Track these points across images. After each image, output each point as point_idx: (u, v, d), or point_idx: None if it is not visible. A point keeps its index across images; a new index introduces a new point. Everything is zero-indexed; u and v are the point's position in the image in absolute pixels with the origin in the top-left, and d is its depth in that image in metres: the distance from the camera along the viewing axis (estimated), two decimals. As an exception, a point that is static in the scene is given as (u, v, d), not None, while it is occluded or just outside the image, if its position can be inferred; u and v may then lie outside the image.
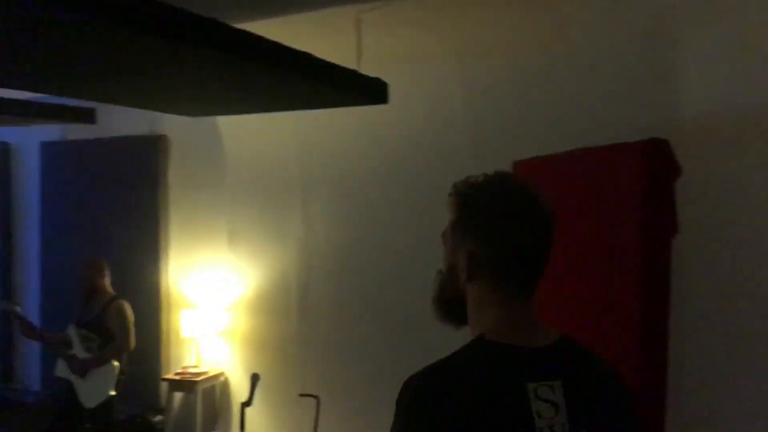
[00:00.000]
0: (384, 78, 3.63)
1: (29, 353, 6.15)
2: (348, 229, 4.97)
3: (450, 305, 1.33)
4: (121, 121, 5.72)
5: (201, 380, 5.17)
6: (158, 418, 5.41)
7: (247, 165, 5.33)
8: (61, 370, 4.58)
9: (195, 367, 5.29)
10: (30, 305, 6.26)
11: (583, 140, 3.31)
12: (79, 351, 4.57)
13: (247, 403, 3.71)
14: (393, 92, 3.70)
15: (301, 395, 4.36)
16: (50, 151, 6.10)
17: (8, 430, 5.44)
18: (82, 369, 4.51)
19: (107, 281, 4.71)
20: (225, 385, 5.38)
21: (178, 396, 5.35)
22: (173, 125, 5.59)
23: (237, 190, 5.36)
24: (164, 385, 5.35)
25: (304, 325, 5.08)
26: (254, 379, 3.72)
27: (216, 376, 5.32)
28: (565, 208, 3.22)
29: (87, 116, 4.63)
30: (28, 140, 6.21)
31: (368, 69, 3.58)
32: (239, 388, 5.31)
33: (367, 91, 3.68)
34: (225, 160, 5.36)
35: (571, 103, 3.83)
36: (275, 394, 4.98)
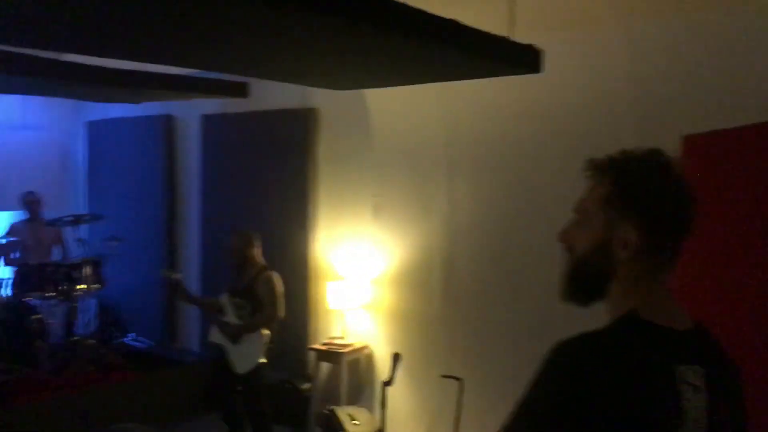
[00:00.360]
0: (538, 45, 3.37)
1: (190, 316, 6.52)
2: (494, 207, 4.77)
3: (591, 280, 1.31)
4: (275, 94, 5.82)
5: (346, 352, 5.22)
6: (306, 385, 5.54)
7: (394, 138, 5.25)
8: (215, 335, 4.78)
9: (341, 338, 5.35)
10: (191, 273, 6.63)
11: (763, 115, 2.89)
12: (231, 318, 4.74)
13: (388, 382, 3.67)
14: (547, 61, 3.43)
15: (444, 376, 4.26)
16: (210, 123, 6.37)
17: (168, 388, 5.79)
18: (234, 335, 4.68)
19: (257, 251, 4.84)
20: (369, 359, 5.40)
21: (324, 366, 5.45)
22: (323, 98, 5.61)
23: (383, 163, 5.30)
24: (312, 355, 5.46)
25: (447, 304, 4.96)
26: (396, 358, 3.66)
27: (361, 349, 5.35)
28: (740, 187, 2.86)
29: (240, 90, 4.74)
30: (190, 113, 6.52)
31: (521, 36, 3.34)
32: (383, 363, 5.31)
33: (519, 59, 3.45)
34: (372, 133, 5.31)
35: (753, 73, 3.37)
36: (417, 373, 4.93)
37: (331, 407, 4.87)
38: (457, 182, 5.00)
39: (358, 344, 5.33)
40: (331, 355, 5.26)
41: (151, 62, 4.24)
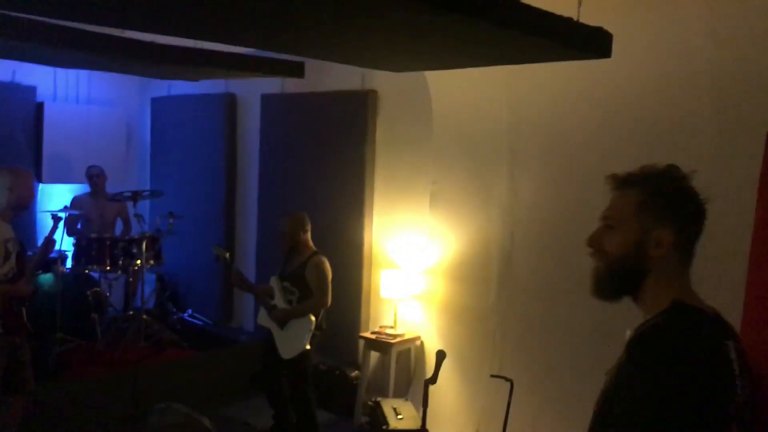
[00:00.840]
0: (607, 27, 3.10)
1: (247, 295, 6.49)
2: (558, 198, 4.50)
3: (626, 277, 1.51)
4: (334, 75, 5.70)
5: (396, 342, 5.08)
6: (355, 373, 5.45)
7: (454, 123, 5.04)
8: (263, 318, 4.71)
9: (391, 327, 5.21)
10: (248, 253, 6.62)
11: None
12: (279, 302, 4.65)
13: (431, 381, 3.49)
14: (618, 44, 3.16)
15: (493, 376, 4.06)
16: (269, 102, 6.29)
17: (220, 367, 5.80)
18: (281, 320, 4.60)
19: (308, 235, 4.73)
20: (420, 350, 5.25)
21: (373, 355, 5.33)
22: (383, 80, 5.44)
23: (442, 149, 5.10)
24: (362, 343, 5.34)
25: (503, 299, 4.74)
26: (440, 356, 3.48)
27: (411, 340, 5.20)
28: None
29: (296, 70, 4.62)
30: (251, 92, 6.46)
31: (589, 18, 3.08)
32: (433, 356, 5.14)
33: (587, 42, 3.19)
34: (432, 117, 5.11)
35: None
36: (465, 371, 4.74)
37: (377, 399, 4.74)
38: (519, 171, 4.76)
39: (408, 335, 5.18)
40: (381, 344, 5.13)
41: (212, 41, 4.17)
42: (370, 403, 4.75)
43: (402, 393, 5.19)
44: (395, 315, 5.20)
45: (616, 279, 1.52)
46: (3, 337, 3.79)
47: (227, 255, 4.80)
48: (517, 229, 4.73)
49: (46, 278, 5.62)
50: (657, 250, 1.47)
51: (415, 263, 5.21)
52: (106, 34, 4.25)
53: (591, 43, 3.14)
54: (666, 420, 1.33)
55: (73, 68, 6.23)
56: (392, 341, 5.07)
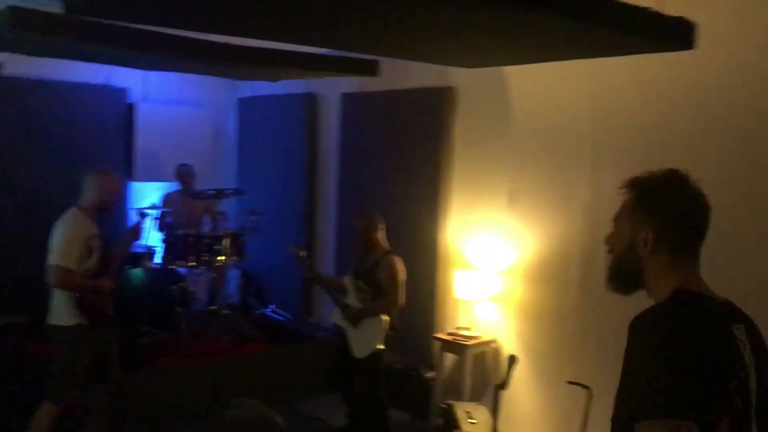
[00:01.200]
0: (692, 18, 2.90)
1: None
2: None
3: (627, 273, 1.67)
4: (412, 72, 5.65)
5: (471, 344, 4.98)
6: (430, 374, 5.38)
7: (534, 119, 4.88)
8: (336, 316, 4.72)
9: (467, 329, 5.11)
10: (327, 252, 6.67)
11: None
12: (353, 300, 4.66)
13: (501, 386, 3.39)
14: (703, 36, 2.95)
15: (570, 383, 3.90)
16: (348, 101, 6.31)
17: (297, 363, 5.87)
18: (354, 318, 4.60)
19: (382, 234, 4.70)
20: (496, 353, 5.12)
21: (449, 356, 5.24)
22: (461, 77, 5.34)
23: (521, 147, 4.95)
24: (436, 344, 5.27)
25: (584, 303, 4.54)
26: (511, 361, 3.37)
27: (487, 342, 5.08)
28: None
29: (370, 68, 4.60)
30: (331, 91, 6.50)
31: (673, 8, 2.89)
32: (510, 359, 5.01)
33: (670, 34, 3.00)
34: (511, 114, 4.97)
35: None
36: (542, 376, 4.59)
37: (450, 401, 4.65)
38: (601, 170, 4.55)
39: (484, 338, 5.07)
40: (456, 346, 5.04)
41: (289, 42, 4.22)
42: (443, 405, 4.68)
43: (478, 396, 5.08)
44: (471, 316, 5.10)
45: (618, 275, 1.70)
46: (88, 329, 3.96)
47: (303, 253, 4.84)
48: (600, 229, 4.49)
49: (136, 273, 5.85)
50: (644, 248, 1.62)
51: (491, 264, 5.09)
52: (191, 38, 4.40)
53: (673, 34, 2.95)
54: (652, 393, 1.44)
55: (161, 70, 6.46)
56: (467, 343, 4.97)
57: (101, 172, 4.08)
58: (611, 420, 1.62)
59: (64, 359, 3.98)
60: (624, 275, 1.69)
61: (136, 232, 4.43)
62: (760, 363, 1.54)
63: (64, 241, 3.86)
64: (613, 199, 4.30)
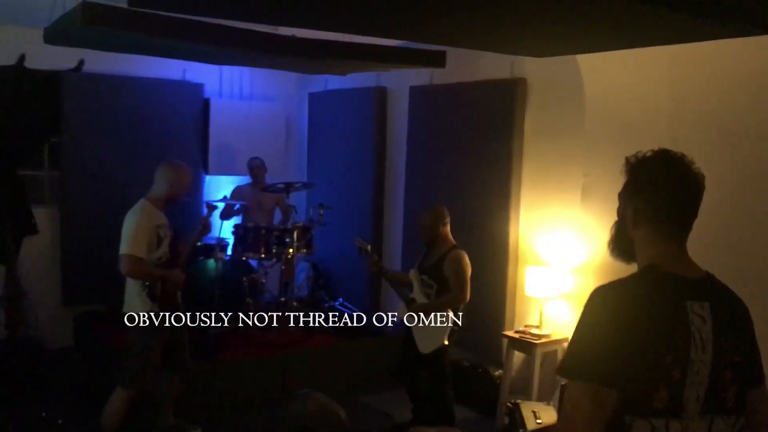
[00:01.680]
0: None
1: (394, 286, 6.54)
2: (728, 195, 4.04)
3: (620, 244, 1.81)
4: (481, 64, 5.55)
5: (540, 343, 4.85)
6: (498, 372, 5.28)
7: (608, 111, 4.70)
8: (401, 311, 4.68)
9: (537, 327, 4.98)
10: (394, 245, 6.65)
11: None
12: (418, 295, 4.60)
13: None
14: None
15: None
16: (417, 94, 6.25)
17: (364, 356, 5.87)
18: (419, 314, 4.54)
19: (447, 229, 4.63)
20: (567, 352, 4.96)
21: (517, 355, 5.13)
22: (532, 67, 5.20)
23: (594, 139, 4.78)
24: (505, 341, 5.16)
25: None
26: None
27: (558, 341, 4.94)
28: None
29: (438, 59, 4.52)
30: (399, 85, 6.46)
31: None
32: (581, 359, 4.85)
33: (756, 18, 2.80)
34: (584, 106, 4.81)
35: None
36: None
37: (517, 400, 4.54)
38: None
39: (555, 336, 4.92)
40: (525, 344, 4.92)
41: (358, 33, 4.21)
42: (509, 404, 4.57)
43: (546, 396, 4.94)
44: (541, 314, 4.97)
45: (614, 245, 1.85)
46: (158, 316, 4.06)
47: (369, 247, 4.83)
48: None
49: (208, 264, 5.98)
50: (628, 222, 1.75)
51: (563, 260, 4.94)
52: (261, 32, 4.44)
53: (757, 15, 2.75)
54: (594, 346, 1.59)
55: (234, 65, 6.57)
56: (537, 341, 4.84)
57: (173, 165, 4.17)
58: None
59: (137, 346, 4.10)
60: (617, 246, 1.85)
61: (207, 224, 4.52)
62: (721, 339, 1.63)
63: (134, 230, 3.96)
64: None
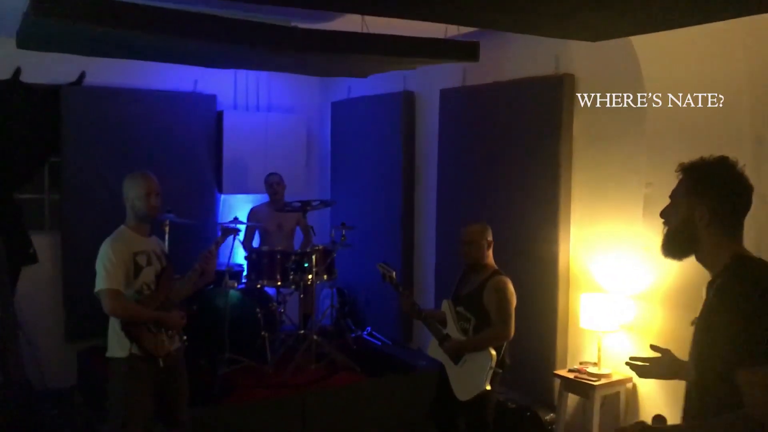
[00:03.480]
0: None
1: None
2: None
3: (683, 242, 1.98)
4: (522, 59, 4.86)
5: (600, 384, 4.10)
6: (550, 416, 4.54)
7: (675, 110, 3.96)
8: (434, 349, 3.98)
9: (595, 365, 4.24)
10: (426, 267, 5.95)
11: None
12: (453, 331, 3.90)
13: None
14: None
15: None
16: (449, 98, 5.56)
17: (394, 395, 5.18)
18: (455, 352, 3.84)
19: (491, 250, 3.93)
20: (632, 395, 4.21)
21: (572, 397, 4.37)
22: (581, 60, 4.49)
23: (657, 142, 4.05)
24: (557, 382, 4.41)
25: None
26: (658, 423, 2.49)
27: (620, 382, 4.18)
28: None
29: (470, 52, 3.84)
30: (430, 88, 5.80)
31: None
32: (651, 403, 4.09)
33: None
34: (644, 102, 4.07)
35: None
36: None
37: (575, 457, 3.79)
38: (767, 166, 3.59)
39: (616, 376, 4.17)
40: (581, 385, 4.17)
41: (376, 14, 3.58)
42: (566, 460, 3.83)
43: (608, 447, 4.19)
44: (599, 350, 4.21)
45: (675, 243, 2.01)
46: (142, 361, 3.44)
47: (393, 274, 4.13)
48: (767, 239, 3.56)
49: (218, 294, 5.36)
50: (701, 222, 1.93)
51: (624, 286, 4.19)
52: (268, 24, 3.86)
53: None
54: (753, 342, 1.73)
55: (244, 68, 6.00)
56: (595, 382, 4.09)
57: (128, 178, 3.58)
58: (695, 371, 1.97)
59: (116, 395, 3.49)
60: (679, 244, 1.99)
61: (209, 259, 3.72)
62: None
63: (106, 260, 3.39)
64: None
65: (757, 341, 1.73)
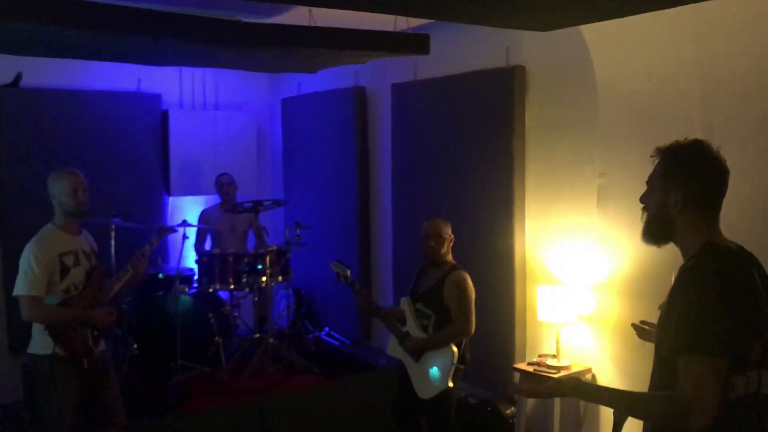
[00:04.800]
0: None
1: (386, 312, 5.79)
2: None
3: (660, 228, 1.96)
4: (473, 53, 4.82)
5: (559, 377, 4.08)
6: (511, 410, 4.51)
7: (625, 98, 3.96)
8: (393, 348, 3.90)
9: (553, 357, 4.22)
10: (383, 266, 5.88)
11: None
12: (413, 329, 3.82)
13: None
14: None
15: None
16: (400, 92, 5.49)
17: (354, 396, 5.09)
18: (416, 351, 3.77)
19: (450, 246, 3.86)
20: (591, 386, 4.20)
21: (532, 390, 4.35)
22: (532, 52, 4.47)
23: (610, 132, 4.04)
24: (517, 376, 4.38)
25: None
26: (618, 420, 2.47)
27: (580, 373, 4.16)
28: None
29: (419, 44, 3.77)
30: (381, 83, 5.72)
31: None
32: (609, 393, 4.08)
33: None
34: (596, 93, 4.07)
35: None
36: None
37: (538, 451, 3.76)
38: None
39: (575, 367, 4.16)
40: (541, 378, 4.14)
41: (329, 6, 3.47)
42: (528, 455, 3.79)
43: (570, 439, 4.18)
44: (558, 342, 4.20)
45: (653, 229, 1.98)
46: (67, 363, 3.30)
47: (348, 272, 4.03)
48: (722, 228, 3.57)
49: (168, 299, 5.19)
50: (675, 207, 1.90)
51: (581, 277, 4.18)
52: (217, 19, 3.73)
53: None
54: (708, 322, 1.73)
55: (191, 65, 5.82)
56: (555, 374, 4.07)
57: (52, 176, 3.46)
58: (656, 353, 1.94)
59: (41, 396, 3.36)
60: (656, 230, 1.97)
61: (141, 259, 3.65)
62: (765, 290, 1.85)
63: (28, 264, 3.25)
64: (737, 190, 3.41)
65: (699, 331, 1.73)
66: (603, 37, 3.92)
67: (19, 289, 3.26)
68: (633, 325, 2.50)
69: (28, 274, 3.24)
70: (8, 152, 5.56)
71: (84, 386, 3.40)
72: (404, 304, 3.91)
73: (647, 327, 2.44)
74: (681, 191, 1.87)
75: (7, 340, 5.61)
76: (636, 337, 3.92)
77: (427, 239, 3.83)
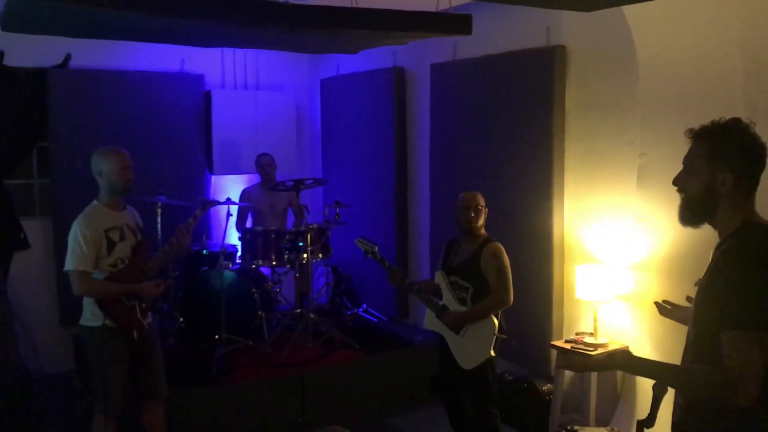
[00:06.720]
0: None
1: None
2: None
3: (702, 208, 1.96)
4: (513, 32, 4.83)
5: (596, 354, 4.12)
6: (547, 386, 4.57)
7: (667, 78, 3.95)
8: (430, 321, 3.97)
9: (591, 335, 4.26)
10: (420, 242, 5.96)
11: None
12: (450, 302, 3.89)
13: (646, 423, 2.55)
14: None
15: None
16: (439, 72, 5.52)
17: (392, 371, 5.21)
18: (456, 324, 3.84)
19: (484, 218, 3.92)
20: (628, 364, 4.23)
21: (568, 367, 4.40)
22: (573, 32, 4.47)
23: (651, 112, 4.03)
24: (554, 353, 4.44)
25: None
26: (657, 392, 2.51)
27: (617, 351, 4.20)
28: None
29: (462, 24, 3.79)
30: (419, 63, 5.76)
31: None
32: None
33: None
34: (638, 73, 4.06)
35: None
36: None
37: (575, 427, 3.81)
38: (761, 133, 3.58)
39: (612, 345, 4.20)
40: (577, 356, 4.19)
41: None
42: (564, 431, 3.85)
43: (605, 417, 4.23)
44: (595, 320, 4.24)
45: (694, 210, 1.99)
46: (116, 334, 3.47)
47: (375, 248, 4.09)
48: (759, 208, 3.57)
49: (213, 275, 5.34)
50: (723, 187, 1.90)
51: (620, 256, 4.21)
52: (266, 1, 3.77)
53: None
54: (753, 298, 1.76)
55: (231, 47, 5.91)
56: (592, 352, 4.12)
57: (98, 153, 3.57)
58: (692, 330, 1.98)
59: (94, 366, 3.53)
60: (699, 211, 1.97)
61: (185, 232, 3.74)
62: None
63: (76, 240, 3.38)
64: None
65: (745, 306, 1.76)
66: (645, 17, 3.90)
67: (69, 264, 3.39)
68: (656, 303, 2.55)
69: (76, 250, 3.38)
70: (58, 132, 5.75)
71: (132, 357, 3.57)
72: (439, 277, 3.97)
73: (669, 306, 2.50)
74: (731, 169, 1.87)
75: (58, 313, 5.84)
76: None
77: (467, 210, 3.87)
